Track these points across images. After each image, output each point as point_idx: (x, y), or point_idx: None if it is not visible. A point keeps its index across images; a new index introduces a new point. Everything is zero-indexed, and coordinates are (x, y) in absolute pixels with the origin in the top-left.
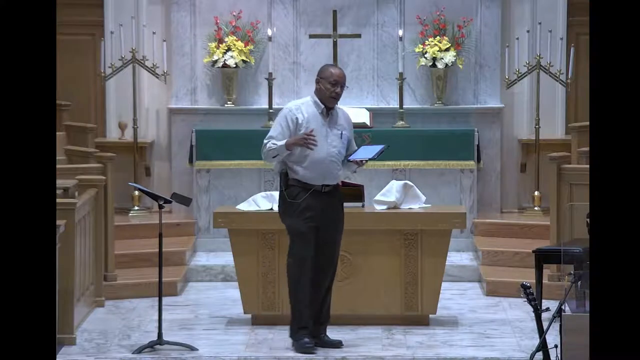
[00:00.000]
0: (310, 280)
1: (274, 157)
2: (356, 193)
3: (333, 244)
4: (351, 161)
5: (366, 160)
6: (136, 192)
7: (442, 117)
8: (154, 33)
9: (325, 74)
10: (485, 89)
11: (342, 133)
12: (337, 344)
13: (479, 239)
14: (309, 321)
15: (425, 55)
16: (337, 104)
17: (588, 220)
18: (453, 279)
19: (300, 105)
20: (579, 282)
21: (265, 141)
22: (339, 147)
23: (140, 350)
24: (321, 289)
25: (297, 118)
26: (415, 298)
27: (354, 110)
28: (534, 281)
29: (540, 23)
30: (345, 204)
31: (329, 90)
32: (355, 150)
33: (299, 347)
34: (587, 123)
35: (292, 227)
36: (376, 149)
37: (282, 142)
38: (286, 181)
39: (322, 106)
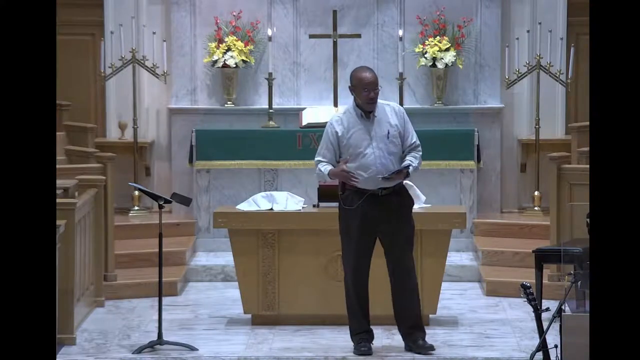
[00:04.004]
0: (365, 288)
1: (323, 182)
2: None
3: (398, 246)
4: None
5: (379, 178)
6: (136, 192)
7: (442, 117)
8: (154, 33)
9: (355, 80)
10: (485, 89)
11: (388, 132)
12: (430, 348)
13: (479, 239)
14: (367, 326)
15: (425, 55)
16: (375, 107)
17: (588, 220)
18: (453, 279)
19: (341, 116)
20: (579, 282)
21: (315, 159)
22: (387, 147)
23: (140, 350)
24: (397, 293)
25: (336, 132)
26: None
27: None
28: (534, 281)
29: (540, 23)
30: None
31: (363, 97)
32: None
33: (356, 351)
34: (587, 123)
35: (345, 234)
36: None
37: (327, 170)
38: (343, 187)
39: (360, 111)
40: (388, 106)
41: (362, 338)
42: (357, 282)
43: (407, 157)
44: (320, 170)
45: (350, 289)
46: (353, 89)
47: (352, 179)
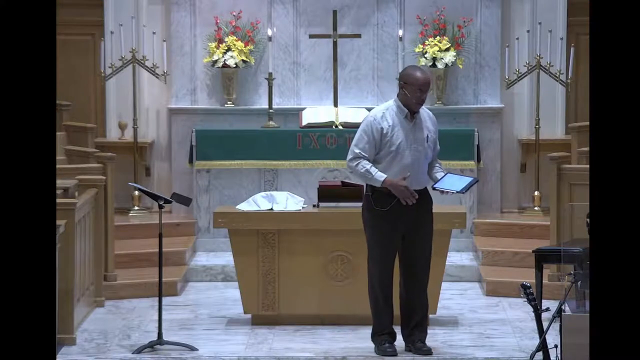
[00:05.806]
0: (391, 288)
1: (364, 182)
2: (356, 193)
3: (420, 245)
4: (435, 189)
5: (453, 192)
6: (136, 192)
7: (442, 117)
8: (154, 33)
9: (410, 79)
10: (485, 89)
11: (427, 136)
12: (427, 352)
13: (479, 239)
14: (390, 327)
15: (425, 55)
16: (420, 108)
17: (588, 220)
18: (453, 279)
19: (384, 112)
20: (579, 282)
21: (355, 150)
22: (424, 151)
23: (140, 350)
24: (409, 292)
25: (381, 128)
26: None
27: (354, 110)
28: (534, 281)
29: (540, 23)
30: (345, 204)
31: (416, 97)
32: (441, 178)
33: (380, 352)
34: (587, 123)
35: (374, 234)
36: (465, 181)
37: (380, 178)
38: (373, 187)
39: (406, 110)
40: (425, 111)
41: (385, 339)
42: (385, 283)
43: (437, 167)
44: (369, 172)
45: (377, 289)
46: (405, 86)
47: (411, 198)
